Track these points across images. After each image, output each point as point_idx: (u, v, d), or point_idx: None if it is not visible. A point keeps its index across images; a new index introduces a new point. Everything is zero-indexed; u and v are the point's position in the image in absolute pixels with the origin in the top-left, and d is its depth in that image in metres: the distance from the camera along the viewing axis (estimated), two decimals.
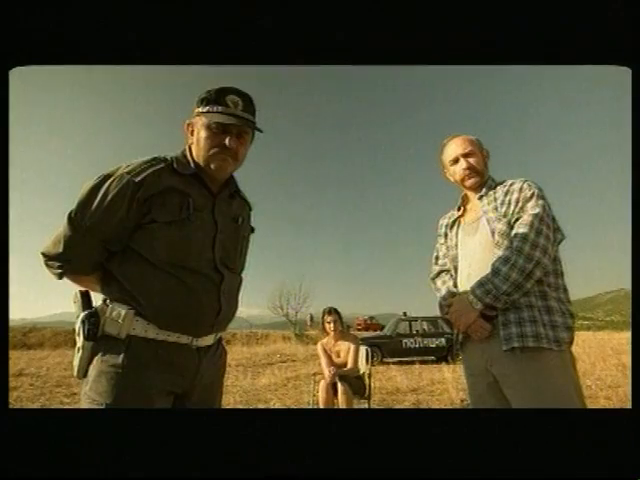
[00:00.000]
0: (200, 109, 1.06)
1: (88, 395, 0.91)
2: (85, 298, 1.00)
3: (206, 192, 1.08)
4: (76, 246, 0.96)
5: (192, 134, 1.10)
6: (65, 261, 0.98)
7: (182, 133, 1.13)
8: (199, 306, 1.00)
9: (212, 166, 1.06)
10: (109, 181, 0.96)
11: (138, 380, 0.91)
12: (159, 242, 0.97)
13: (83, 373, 0.94)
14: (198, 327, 1.01)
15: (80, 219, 0.95)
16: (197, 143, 1.07)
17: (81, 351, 0.94)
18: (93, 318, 0.95)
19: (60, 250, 0.96)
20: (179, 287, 0.97)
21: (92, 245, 0.97)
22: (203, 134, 1.05)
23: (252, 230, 1.26)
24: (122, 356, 0.91)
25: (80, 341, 0.94)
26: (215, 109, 1.04)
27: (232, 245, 1.12)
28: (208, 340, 1.05)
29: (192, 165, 1.07)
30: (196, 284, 0.99)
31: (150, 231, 0.97)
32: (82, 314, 0.96)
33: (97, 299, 1.02)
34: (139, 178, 0.96)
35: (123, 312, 0.94)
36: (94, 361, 0.93)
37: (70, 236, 0.95)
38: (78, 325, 0.95)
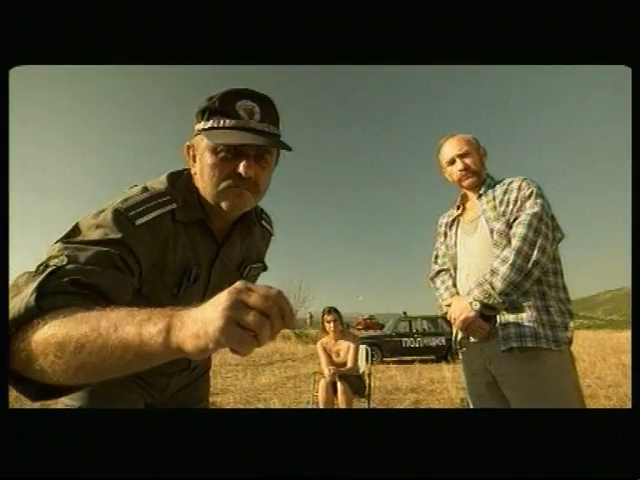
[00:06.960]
0: (202, 125, 0.74)
1: (63, 402, 0.90)
2: None
3: (210, 241, 0.82)
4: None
5: (195, 160, 0.78)
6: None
7: (181, 154, 0.83)
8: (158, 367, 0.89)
9: (223, 205, 0.74)
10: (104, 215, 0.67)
11: (105, 384, 0.90)
12: (136, 298, 0.69)
13: None
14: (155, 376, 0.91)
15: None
16: (201, 174, 0.76)
17: None
18: None
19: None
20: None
21: None
22: (208, 160, 0.73)
23: (264, 269, 1.03)
24: None
25: None
26: (222, 123, 0.72)
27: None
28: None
29: (199, 209, 0.78)
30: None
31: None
32: None
33: None
34: (141, 221, 0.68)
35: None
36: None
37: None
38: None
